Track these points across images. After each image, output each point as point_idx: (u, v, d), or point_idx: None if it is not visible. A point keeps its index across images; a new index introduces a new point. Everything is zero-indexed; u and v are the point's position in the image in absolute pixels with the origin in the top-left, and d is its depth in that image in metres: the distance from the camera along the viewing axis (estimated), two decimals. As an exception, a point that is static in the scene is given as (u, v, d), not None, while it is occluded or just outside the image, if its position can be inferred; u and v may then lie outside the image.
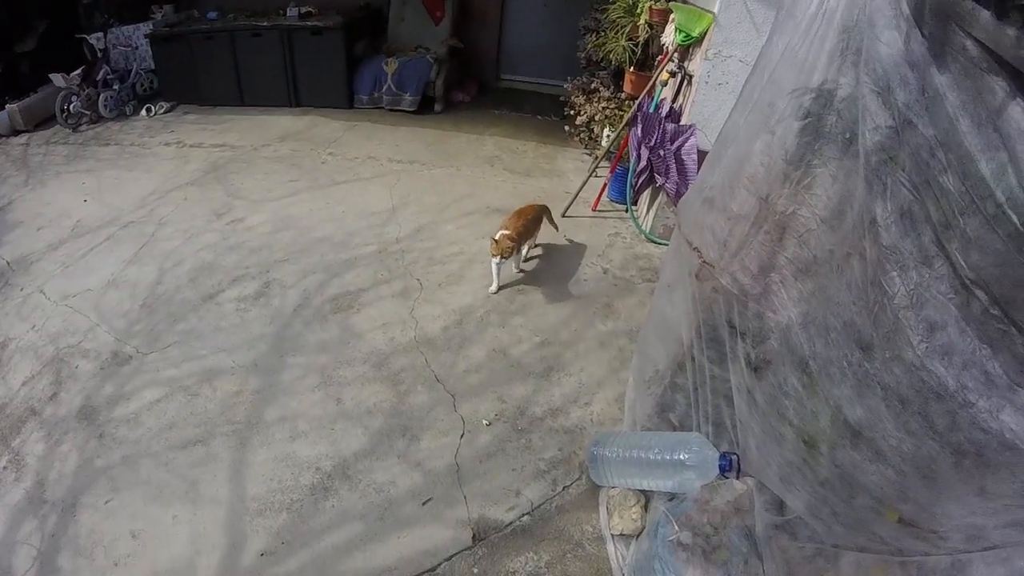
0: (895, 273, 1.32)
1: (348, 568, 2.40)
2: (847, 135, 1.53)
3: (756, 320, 1.85)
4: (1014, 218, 1.08)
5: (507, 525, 2.54)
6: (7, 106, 6.82)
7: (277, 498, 2.66)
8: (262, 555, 2.45)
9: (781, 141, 1.72)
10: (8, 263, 4.37)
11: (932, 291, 1.24)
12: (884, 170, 1.35)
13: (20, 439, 3.00)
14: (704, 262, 2.03)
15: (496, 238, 3.67)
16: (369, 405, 3.07)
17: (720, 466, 2.17)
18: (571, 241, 4.49)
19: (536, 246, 4.31)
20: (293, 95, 7.24)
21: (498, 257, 3.67)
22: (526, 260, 4.15)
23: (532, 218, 4.01)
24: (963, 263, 1.18)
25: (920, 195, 1.25)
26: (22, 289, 4.08)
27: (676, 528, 2.12)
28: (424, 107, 7.06)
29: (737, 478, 2.17)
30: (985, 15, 1.09)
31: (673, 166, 3.96)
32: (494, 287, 3.85)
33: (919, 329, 1.28)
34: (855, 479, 1.49)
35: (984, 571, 1.40)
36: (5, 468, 2.86)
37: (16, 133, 6.86)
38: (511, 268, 3.95)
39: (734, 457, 2.16)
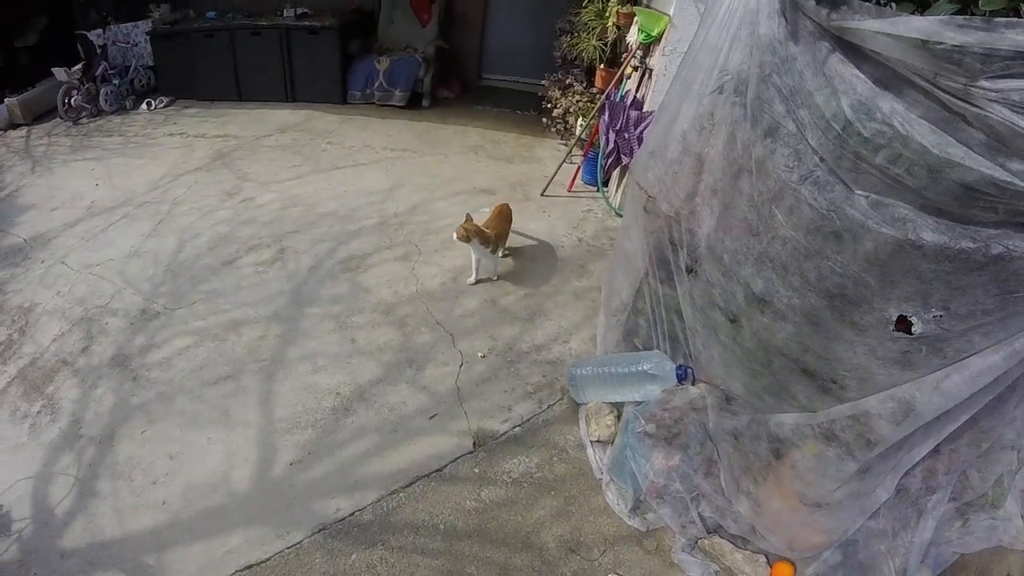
0: (766, 176, 1.93)
1: (367, 471, 2.82)
2: (737, 93, 2.12)
3: (689, 235, 2.44)
4: (835, 126, 1.67)
5: (502, 435, 3.01)
6: (6, 99, 6.95)
7: (302, 419, 3.07)
8: (291, 464, 2.85)
9: (700, 105, 2.34)
10: (25, 240, 4.67)
11: (789, 183, 1.85)
12: (760, 110, 1.94)
13: (53, 386, 3.33)
14: (650, 196, 2.62)
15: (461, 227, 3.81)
16: (380, 343, 3.52)
17: (677, 375, 2.70)
18: (549, 216, 4.96)
19: (515, 234, 4.49)
20: (290, 91, 7.55)
21: (471, 242, 3.78)
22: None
23: (505, 217, 4.18)
24: (813, 149, 1.78)
25: (783, 121, 1.85)
26: (43, 261, 4.39)
27: (643, 422, 2.62)
28: (412, 102, 7.47)
29: (692, 384, 2.69)
30: (811, 2, 1.69)
31: (636, 147, 4.44)
32: (472, 279, 4.03)
33: (784, 210, 1.87)
34: (769, 343, 2.05)
35: (878, 408, 1.91)
36: (39, 412, 3.18)
37: (14, 127, 7.01)
38: (491, 273, 4.09)
39: (689, 368, 2.69)
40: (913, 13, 1.47)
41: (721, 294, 2.24)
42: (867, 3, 1.55)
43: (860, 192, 1.70)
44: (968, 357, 1.73)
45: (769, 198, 1.95)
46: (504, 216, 4.17)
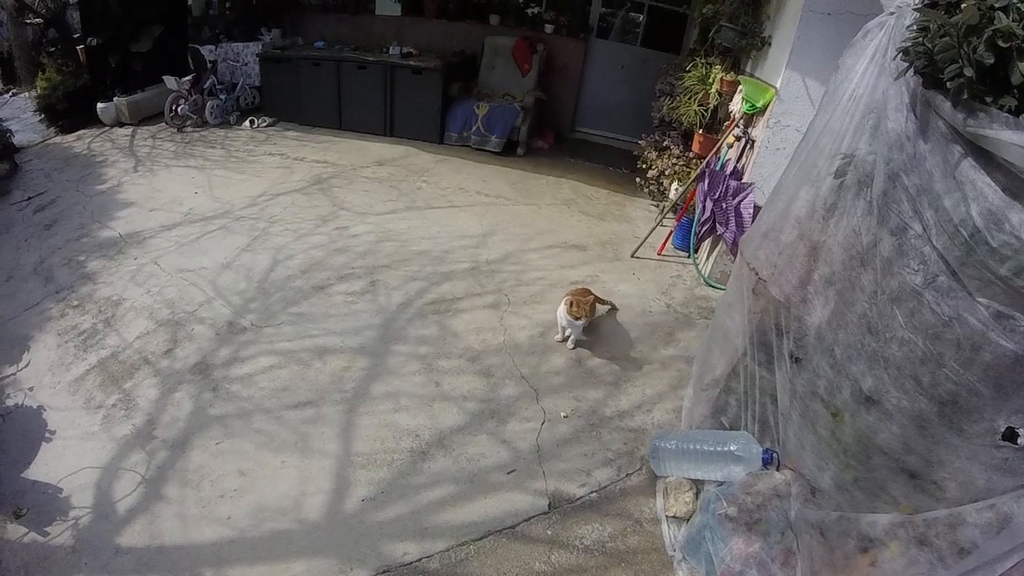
0: (889, 275, 1.92)
1: (439, 519, 2.82)
2: (861, 185, 2.10)
3: (796, 322, 2.39)
4: (963, 232, 1.66)
5: (578, 499, 2.97)
6: (115, 98, 7.48)
7: (380, 456, 3.10)
8: (363, 500, 2.87)
9: (818, 190, 2.32)
10: (121, 235, 4.91)
11: (913, 286, 1.84)
12: (887, 207, 1.93)
13: (132, 383, 3.44)
14: (760, 279, 2.59)
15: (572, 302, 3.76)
16: (464, 391, 3.55)
17: (763, 459, 2.64)
18: (639, 279, 4.94)
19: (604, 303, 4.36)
20: (389, 126, 7.82)
21: (579, 319, 3.73)
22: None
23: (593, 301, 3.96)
24: (939, 254, 1.77)
25: (910, 222, 1.83)
26: (136, 259, 4.61)
27: (724, 504, 2.57)
28: (507, 149, 7.61)
29: (777, 470, 2.62)
30: (947, 104, 1.67)
31: (733, 218, 4.42)
32: (560, 336, 3.99)
33: (905, 312, 1.86)
34: (870, 440, 2.00)
35: (975, 517, 1.84)
36: (115, 405, 3.28)
37: (121, 125, 7.54)
38: (568, 344, 3.98)
39: (775, 453, 2.63)
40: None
41: (826, 387, 2.20)
42: (1004, 113, 1.53)
43: (982, 301, 1.67)
44: None
45: (891, 298, 1.92)
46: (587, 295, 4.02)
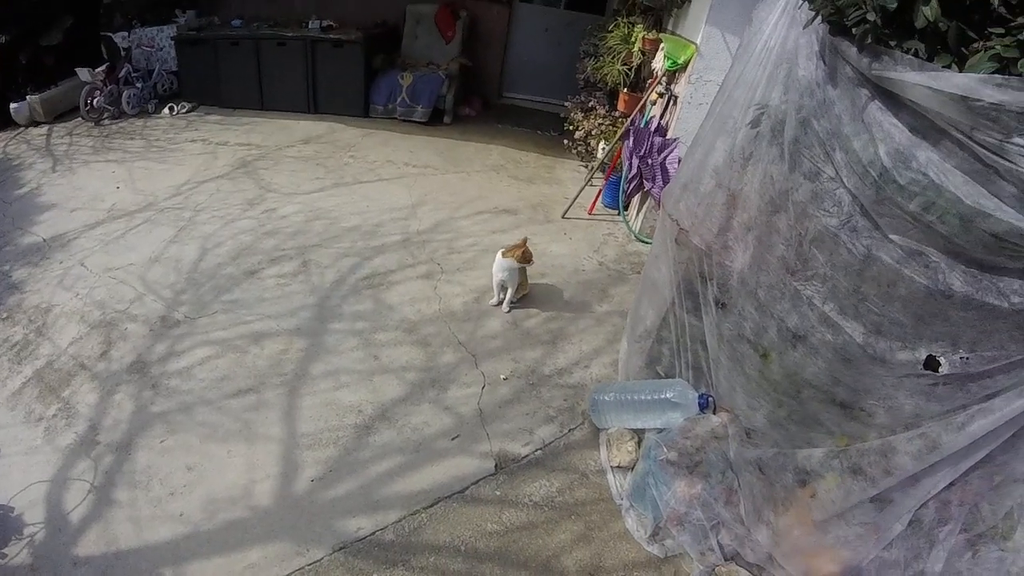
0: (805, 218, 2.00)
1: (389, 491, 2.83)
2: (773, 132, 2.17)
3: (719, 268, 2.48)
4: (872, 172, 1.73)
5: (523, 458, 3.03)
6: (28, 97, 7.01)
7: (325, 435, 3.08)
8: (312, 481, 2.86)
9: (734, 140, 2.39)
10: (44, 240, 4.68)
11: (829, 227, 1.92)
12: (799, 153, 2.01)
13: (70, 390, 3.32)
14: (681, 229, 2.66)
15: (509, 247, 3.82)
16: (403, 362, 3.55)
17: (699, 404, 2.74)
18: (571, 239, 5.01)
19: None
20: (312, 102, 7.64)
21: (512, 261, 3.77)
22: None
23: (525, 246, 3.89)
24: (852, 195, 1.84)
25: (823, 166, 1.91)
26: (61, 262, 4.39)
27: (665, 450, 2.65)
28: (434, 119, 7.55)
29: (714, 413, 2.72)
30: (853, 50, 1.74)
31: (659, 174, 4.51)
32: (495, 300, 4.05)
33: (824, 252, 1.94)
34: (798, 376, 2.09)
35: (906, 445, 1.95)
36: (55, 416, 3.16)
37: (35, 124, 7.06)
38: (503, 308, 4.03)
39: (711, 397, 2.72)
40: (949, 67, 1.51)
41: (753, 328, 2.28)
42: (908, 56, 1.59)
43: (894, 238, 1.75)
44: (992, 398, 1.79)
45: (809, 240, 2.00)
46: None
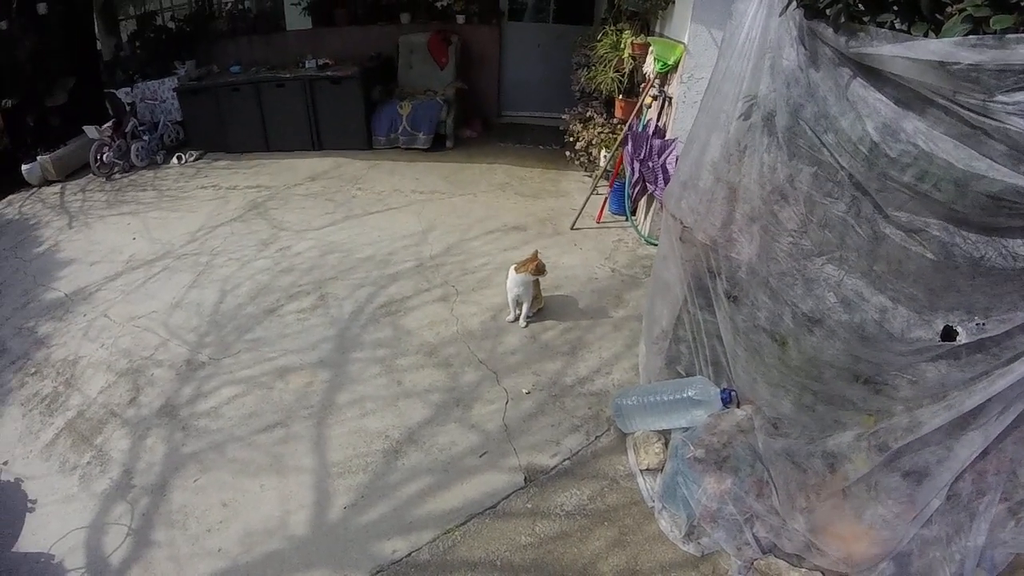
0: (811, 204, 2.01)
1: (422, 512, 2.85)
2: (766, 122, 2.18)
3: (726, 261, 2.49)
4: (862, 149, 1.74)
5: (552, 468, 3.04)
6: (39, 157, 7.18)
7: (354, 463, 3.11)
8: (346, 508, 2.89)
9: (727, 134, 2.42)
10: (66, 294, 4.79)
11: (835, 211, 1.92)
12: (794, 142, 2.02)
13: (102, 437, 3.38)
14: (685, 227, 2.68)
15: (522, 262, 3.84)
16: (426, 385, 3.58)
17: (722, 399, 2.74)
18: (581, 249, 5.03)
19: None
20: (316, 139, 7.76)
21: (526, 274, 3.80)
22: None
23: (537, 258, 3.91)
24: (848, 174, 1.86)
25: (819, 152, 1.92)
26: (85, 315, 4.50)
27: (692, 448, 2.65)
28: (436, 144, 7.64)
29: (737, 407, 2.72)
30: (829, 31, 1.76)
31: (661, 175, 4.50)
32: (523, 322, 4.05)
33: (835, 235, 1.95)
34: (818, 359, 2.09)
35: (929, 417, 1.95)
36: (89, 463, 3.23)
37: (48, 183, 7.25)
38: (520, 323, 4.07)
39: (733, 391, 2.72)
40: (927, 35, 1.53)
41: (768, 317, 2.28)
42: (883, 29, 1.61)
43: (894, 214, 1.76)
44: (1013, 361, 1.78)
45: (816, 224, 2.02)
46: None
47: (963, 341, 1.80)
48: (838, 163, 1.87)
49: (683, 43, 4.34)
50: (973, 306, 1.77)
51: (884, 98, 1.69)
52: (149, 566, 2.71)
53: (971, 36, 1.41)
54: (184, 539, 2.81)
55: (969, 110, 1.47)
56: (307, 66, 7.65)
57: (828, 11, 1.72)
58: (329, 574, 2.63)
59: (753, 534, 2.53)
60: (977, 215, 1.61)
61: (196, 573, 2.67)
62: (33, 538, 2.91)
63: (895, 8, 1.61)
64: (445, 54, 7.86)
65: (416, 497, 2.94)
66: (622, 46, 5.42)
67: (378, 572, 2.62)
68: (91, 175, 7.27)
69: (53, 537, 2.87)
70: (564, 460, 3.09)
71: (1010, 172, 1.47)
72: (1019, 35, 1.34)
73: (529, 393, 3.49)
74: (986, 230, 1.64)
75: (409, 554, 2.68)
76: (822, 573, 2.43)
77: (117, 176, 7.32)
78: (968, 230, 1.66)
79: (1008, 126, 1.41)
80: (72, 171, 7.50)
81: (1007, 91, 1.38)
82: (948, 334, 1.82)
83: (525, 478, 3.00)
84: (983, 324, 1.76)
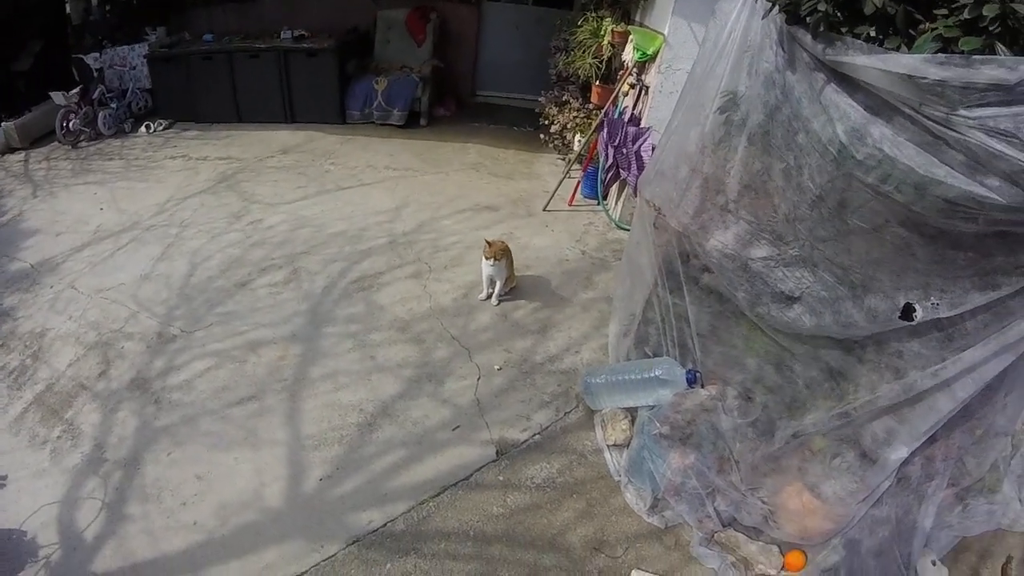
0: (792, 192, 2.15)
1: (396, 484, 2.93)
2: (743, 119, 2.31)
3: (699, 248, 2.62)
4: (831, 150, 1.88)
5: (523, 443, 3.15)
6: (3, 124, 6.91)
7: (329, 435, 3.16)
8: (321, 480, 2.95)
9: (704, 128, 2.54)
10: (32, 265, 4.67)
11: (801, 203, 2.06)
12: (769, 141, 2.16)
13: (72, 411, 3.34)
14: (660, 213, 2.80)
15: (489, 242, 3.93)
16: (399, 360, 3.65)
17: (687, 379, 2.86)
18: (553, 231, 5.12)
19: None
20: (289, 112, 7.65)
21: (492, 260, 3.90)
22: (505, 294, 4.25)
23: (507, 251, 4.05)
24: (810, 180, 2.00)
25: (788, 148, 2.06)
26: (52, 287, 4.39)
27: (658, 425, 2.78)
28: (410, 121, 7.62)
29: (702, 387, 2.85)
30: (808, 37, 1.88)
31: (634, 162, 4.61)
32: (494, 301, 4.14)
33: (816, 220, 2.11)
34: (796, 332, 2.30)
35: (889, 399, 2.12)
36: (60, 437, 3.18)
37: (12, 151, 6.97)
38: (492, 301, 4.15)
39: (698, 372, 2.85)
40: (899, 48, 1.64)
41: (746, 298, 2.43)
42: (859, 40, 1.72)
43: (859, 210, 1.90)
44: (965, 350, 1.97)
45: (795, 216, 2.16)
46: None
47: (919, 318, 1.97)
48: (808, 161, 2.00)
49: (663, 34, 4.42)
50: (929, 287, 1.94)
51: (855, 104, 1.82)
52: (124, 540, 2.71)
53: (940, 54, 1.53)
54: (159, 513, 2.81)
55: (933, 121, 1.60)
56: (283, 37, 7.52)
57: (808, 19, 1.83)
58: (306, 544, 2.67)
59: (714, 507, 2.67)
60: (934, 217, 1.74)
61: (172, 546, 2.68)
62: (4, 514, 2.85)
63: (872, 21, 1.72)
64: (423, 31, 7.82)
65: (390, 469, 3.01)
66: (602, 33, 5.49)
67: (354, 542, 2.68)
68: (56, 142, 7.03)
69: (25, 513, 2.83)
70: (534, 435, 3.19)
71: (966, 179, 1.60)
72: (984, 56, 1.47)
73: (500, 369, 3.58)
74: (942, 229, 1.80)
75: (384, 524, 2.75)
76: (778, 546, 2.58)
77: (83, 144, 7.09)
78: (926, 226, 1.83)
79: (968, 138, 1.54)
80: (37, 138, 7.22)
81: (969, 106, 1.50)
82: (907, 312, 1.99)
83: (497, 451, 3.09)
84: (937, 304, 1.94)
